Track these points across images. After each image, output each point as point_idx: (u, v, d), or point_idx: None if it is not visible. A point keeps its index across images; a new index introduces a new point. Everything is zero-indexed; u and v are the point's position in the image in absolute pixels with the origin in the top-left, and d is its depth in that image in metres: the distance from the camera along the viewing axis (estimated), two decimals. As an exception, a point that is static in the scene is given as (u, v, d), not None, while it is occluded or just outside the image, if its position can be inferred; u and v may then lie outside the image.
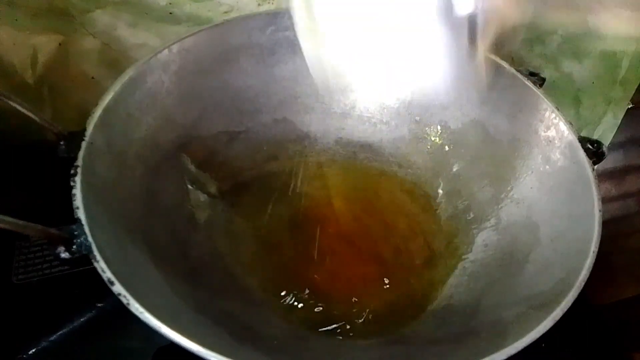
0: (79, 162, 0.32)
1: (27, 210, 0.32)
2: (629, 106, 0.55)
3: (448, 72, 0.33)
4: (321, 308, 0.39)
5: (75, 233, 0.29)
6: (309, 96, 0.47)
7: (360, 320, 0.39)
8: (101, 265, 0.28)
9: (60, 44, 0.43)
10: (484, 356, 0.28)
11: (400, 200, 0.47)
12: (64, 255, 0.28)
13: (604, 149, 0.39)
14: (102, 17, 0.43)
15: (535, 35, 0.53)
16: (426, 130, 0.49)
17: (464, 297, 0.39)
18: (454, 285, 0.41)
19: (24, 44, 0.42)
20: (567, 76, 0.55)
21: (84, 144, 0.32)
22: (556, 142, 0.40)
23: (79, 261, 0.29)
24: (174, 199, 0.40)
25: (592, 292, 0.33)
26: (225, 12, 0.45)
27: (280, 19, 0.45)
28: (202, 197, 0.43)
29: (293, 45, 0.46)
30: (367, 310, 0.40)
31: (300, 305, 0.38)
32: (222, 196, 0.44)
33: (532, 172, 0.42)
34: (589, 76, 0.54)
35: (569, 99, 0.56)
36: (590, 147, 0.39)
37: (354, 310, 0.40)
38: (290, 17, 0.44)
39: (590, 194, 0.36)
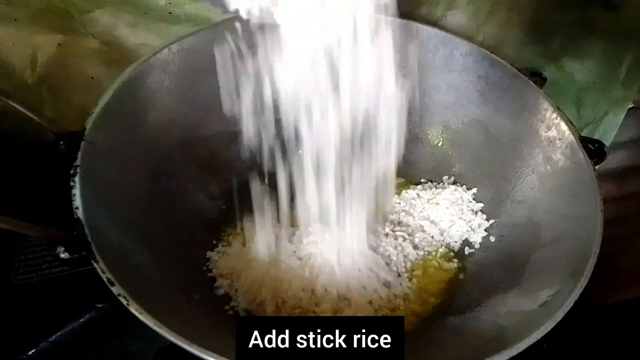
0: (79, 162, 0.32)
1: (27, 211, 0.32)
2: (631, 106, 0.55)
3: None
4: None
5: (75, 233, 0.29)
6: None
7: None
8: (101, 266, 0.28)
9: (60, 44, 0.43)
10: (486, 357, 0.28)
11: (401, 201, 0.47)
12: (64, 255, 0.28)
13: (606, 149, 0.39)
14: (101, 17, 0.43)
15: (536, 34, 0.53)
16: (427, 131, 0.49)
17: (466, 298, 0.39)
18: (455, 286, 0.41)
19: (23, 44, 0.42)
20: (569, 76, 0.54)
21: (83, 144, 0.32)
22: (557, 142, 0.40)
23: (79, 261, 0.28)
24: (175, 199, 0.40)
25: (593, 293, 0.33)
26: (225, 12, 0.45)
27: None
28: (203, 197, 0.43)
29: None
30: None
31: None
32: (223, 196, 0.44)
33: (533, 172, 0.42)
34: (590, 76, 0.54)
35: (570, 99, 0.56)
36: (591, 147, 0.38)
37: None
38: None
39: (591, 194, 0.36)
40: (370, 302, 0.38)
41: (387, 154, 0.37)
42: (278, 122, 0.47)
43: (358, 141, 0.36)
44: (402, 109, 0.36)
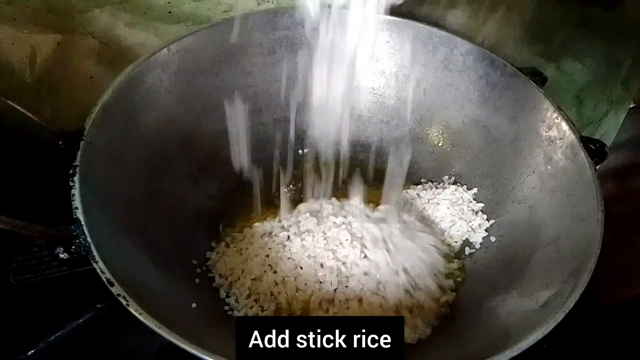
0: (78, 162, 0.31)
1: (26, 211, 0.31)
2: (631, 106, 0.54)
3: None
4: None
5: (74, 233, 0.29)
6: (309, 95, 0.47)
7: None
8: (100, 266, 0.28)
9: (59, 44, 0.43)
10: (486, 357, 0.28)
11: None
12: (63, 255, 0.28)
13: (607, 149, 0.39)
14: (101, 17, 0.43)
15: (536, 34, 0.53)
16: (427, 131, 0.48)
17: (466, 298, 0.39)
18: (455, 286, 0.41)
19: (22, 44, 0.42)
20: (569, 75, 0.54)
21: (82, 144, 0.32)
22: (558, 142, 0.40)
23: (78, 262, 0.28)
24: (174, 199, 0.40)
25: (594, 292, 0.33)
26: (225, 12, 0.45)
27: (280, 17, 0.45)
28: (203, 196, 0.43)
29: (293, 44, 0.46)
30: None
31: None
32: (222, 196, 0.44)
33: (534, 172, 0.42)
34: (591, 75, 0.54)
35: (571, 99, 0.56)
36: (592, 147, 0.38)
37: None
38: (290, 16, 0.45)
39: (592, 194, 0.36)
40: (370, 303, 0.38)
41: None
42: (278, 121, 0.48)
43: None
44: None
